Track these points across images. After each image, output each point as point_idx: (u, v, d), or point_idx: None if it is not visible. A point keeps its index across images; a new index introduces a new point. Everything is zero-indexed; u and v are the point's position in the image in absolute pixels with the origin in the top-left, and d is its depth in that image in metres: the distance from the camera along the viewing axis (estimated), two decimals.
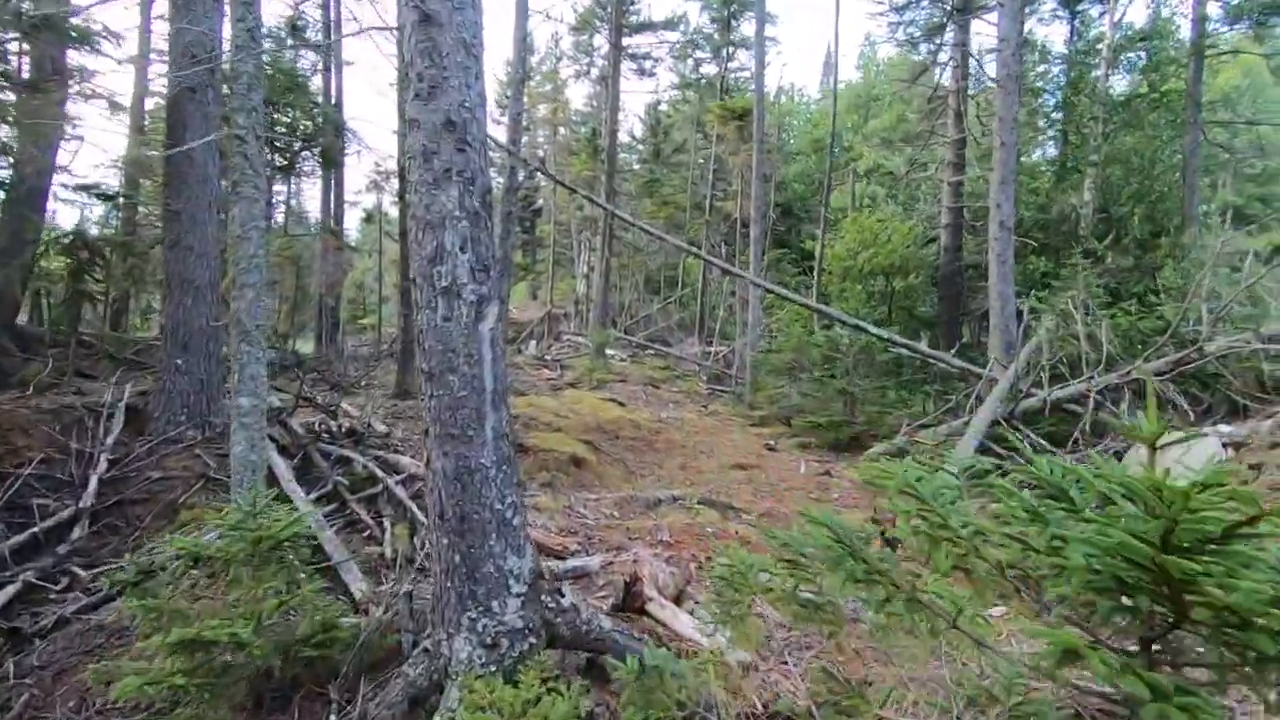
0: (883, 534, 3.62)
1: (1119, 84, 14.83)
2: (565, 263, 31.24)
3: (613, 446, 9.23)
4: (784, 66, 77.28)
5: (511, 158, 10.28)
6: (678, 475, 8.33)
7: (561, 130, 28.57)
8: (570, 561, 4.57)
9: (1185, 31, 14.30)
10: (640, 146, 32.81)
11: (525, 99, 19.12)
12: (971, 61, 17.40)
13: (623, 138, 32.93)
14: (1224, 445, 5.96)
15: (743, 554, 2.66)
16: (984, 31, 29.66)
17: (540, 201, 28.19)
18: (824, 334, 10.78)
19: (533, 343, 22.58)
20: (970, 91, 17.43)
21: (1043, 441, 8.22)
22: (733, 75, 28.88)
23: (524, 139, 29.94)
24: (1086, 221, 14.86)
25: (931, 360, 10.64)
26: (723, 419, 12.30)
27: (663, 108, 33.07)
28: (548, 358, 19.30)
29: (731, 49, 25.09)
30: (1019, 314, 11.49)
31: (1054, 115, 15.86)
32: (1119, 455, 7.56)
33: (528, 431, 8.61)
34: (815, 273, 17.39)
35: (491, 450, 2.85)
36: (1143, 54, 14.91)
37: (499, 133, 18.39)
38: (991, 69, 20.40)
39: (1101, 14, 15.74)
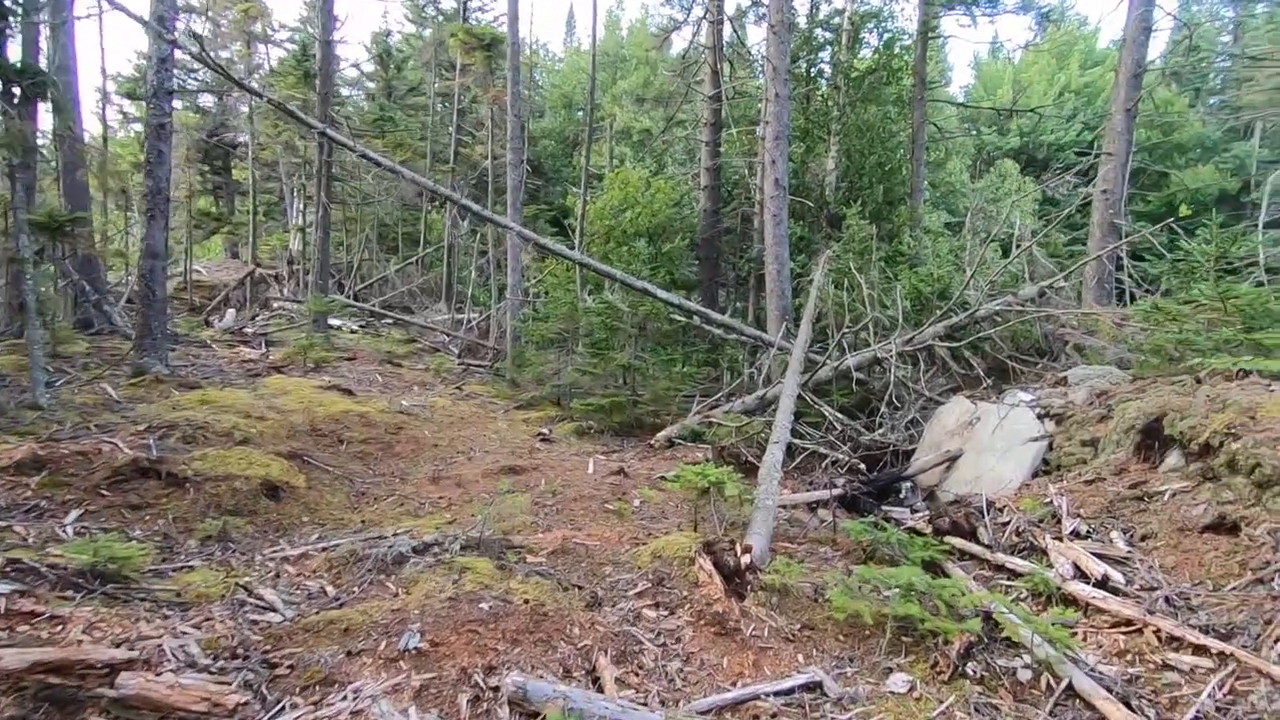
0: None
1: (864, 56, 15.40)
2: (276, 214, 25.79)
3: (334, 457, 6.68)
4: (531, 23, 74.06)
5: (147, 28, 6.84)
6: (429, 493, 6.15)
7: (262, 48, 23.02)
8: None
9: (913, 11, 15.24)
10: (369, 82, 28.22)
11: None
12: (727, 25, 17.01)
13: (348, 72, 27.98)
14: (1039, 417, 5.62)
15: None
16: None
17: (238, 136, 22.57)
18: (600, 300, 9.25)
19: (231, 312, 17.88)
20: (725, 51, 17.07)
21: (840, 415, 7.62)
22: (474, 15, 25.83)
23: (215, 54, 23.65)
24: (831, 189, 15.33)
25: (720, 330, 9.72)
26: (482, 403, 10.21)
27: (394, 39, 28.74)
28: (250, 331, 15.18)
29: None
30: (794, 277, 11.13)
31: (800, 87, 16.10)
32: (922, 420, 7.17)
33: (190, 449, 5.71)
34: (577, 233, 15.84)
35: None
36: (875, 32, 15.68)
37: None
38: (748, 31, 20.49)
39: None
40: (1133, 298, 9.08)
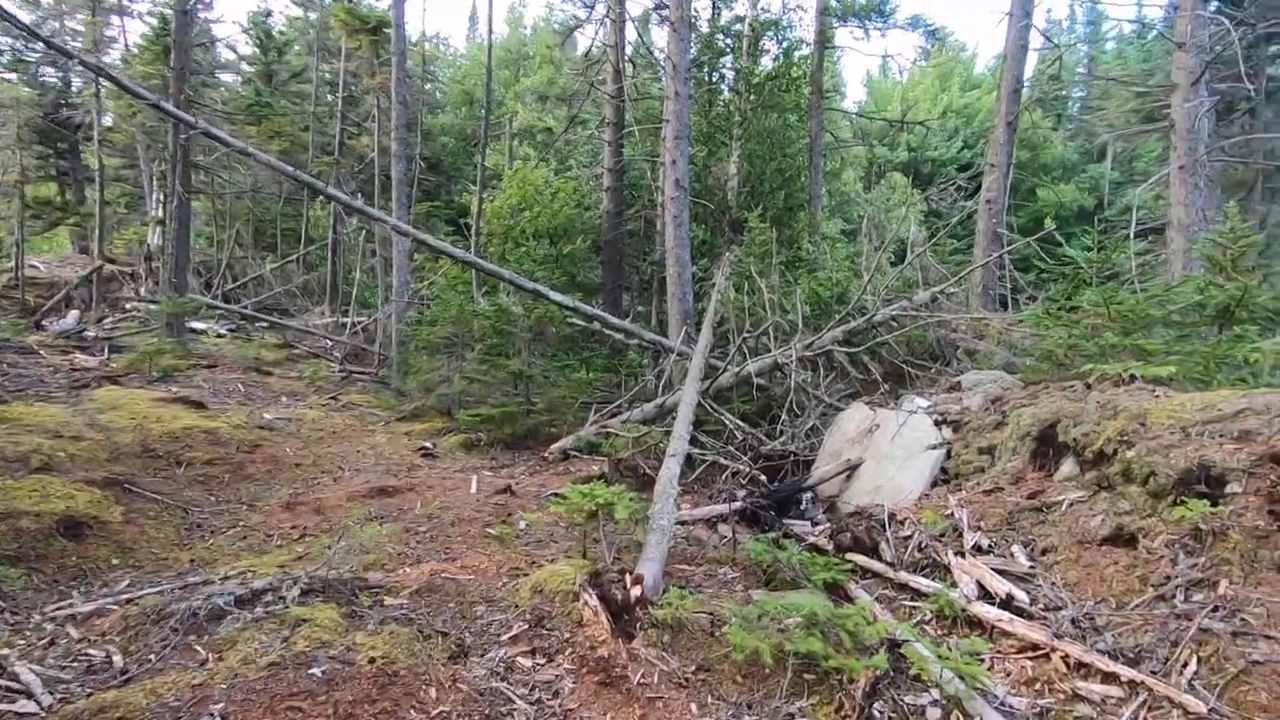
0: None
1: (765, 65, 15.48)
2: (134, 205, 23.23)
3: (166, 483, 5.72)
4: (424, 12, 71.55)
5: None
6: (280, 523, 5.34)
7: (117, 20, 20.67)
8: None
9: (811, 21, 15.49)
10: (247, 65, 26.01)
11: None
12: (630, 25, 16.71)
13: (223, 53, 25.69)
14: (936, 424, 5.53)
15: None
16: None
17: (84, 115, 20.09)
18: (492, 303, 8.60)
19: (73, 314, 15.77)
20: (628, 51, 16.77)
21: (741, 423, 7.36)
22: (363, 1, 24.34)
23: (52, 26, 20.99)
24: (734, 194, 15.32)
25: (620, 334, 9.30)
26: (361, 414, 9.30)
27: (276, 21, 26.65)
28: (92, 335, 13.38)
29: None
30: (695, 280, 10.90)
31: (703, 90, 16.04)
32: (823, 425, 7.00)
33: None
34: (473, 233, 15.05)
35: None
36: (775, 40, 15.83)
37: None
38: (652, 34, 20.30)
39: None
40: (1016, 304, 9.44)
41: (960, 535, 4.09)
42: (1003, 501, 4.27)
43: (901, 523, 4.59)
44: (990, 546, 3.90)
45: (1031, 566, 3.62)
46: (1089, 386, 4.60)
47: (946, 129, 35.37)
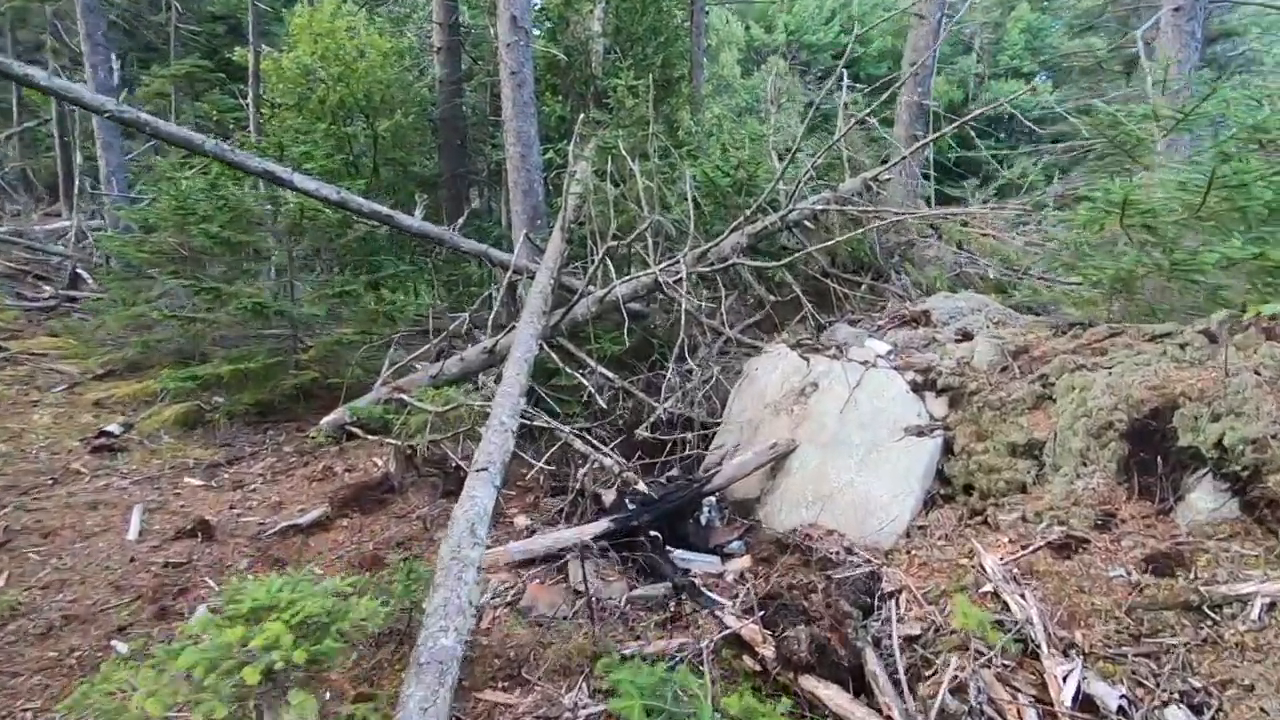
0: None
1: None
2: None
3: None
4: None
5: None
6: None
7: None
8: None
9: None
10: None
11: None
12: None
13: None
14: (915, 388, 3.41)
15: None
16: None
17: None
18: (216, 195, 5.42)
19: None
20: None
21: (608, 374, 5.01)
22: None
23: None
24: (599, 59, 12.25)
25: (431, 241, 6.49)
26: (35, 371, 6.03)
27: None
28: None
29: None
30: (547, 169, 8.13)
31: None
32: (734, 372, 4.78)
33: None
34: (251, 104, 11.20)
35: None
36: None
37: None
38: None
39: None
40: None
41: (1038, 657, 2.02)
42: (1097, 573, 2.22)
43: (894, 597, 2.49)
44: (1115, 707, 1.84)
45: None
46: (1212, 338, 2.58)
47: (824, 10, 32.95)
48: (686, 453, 4.35)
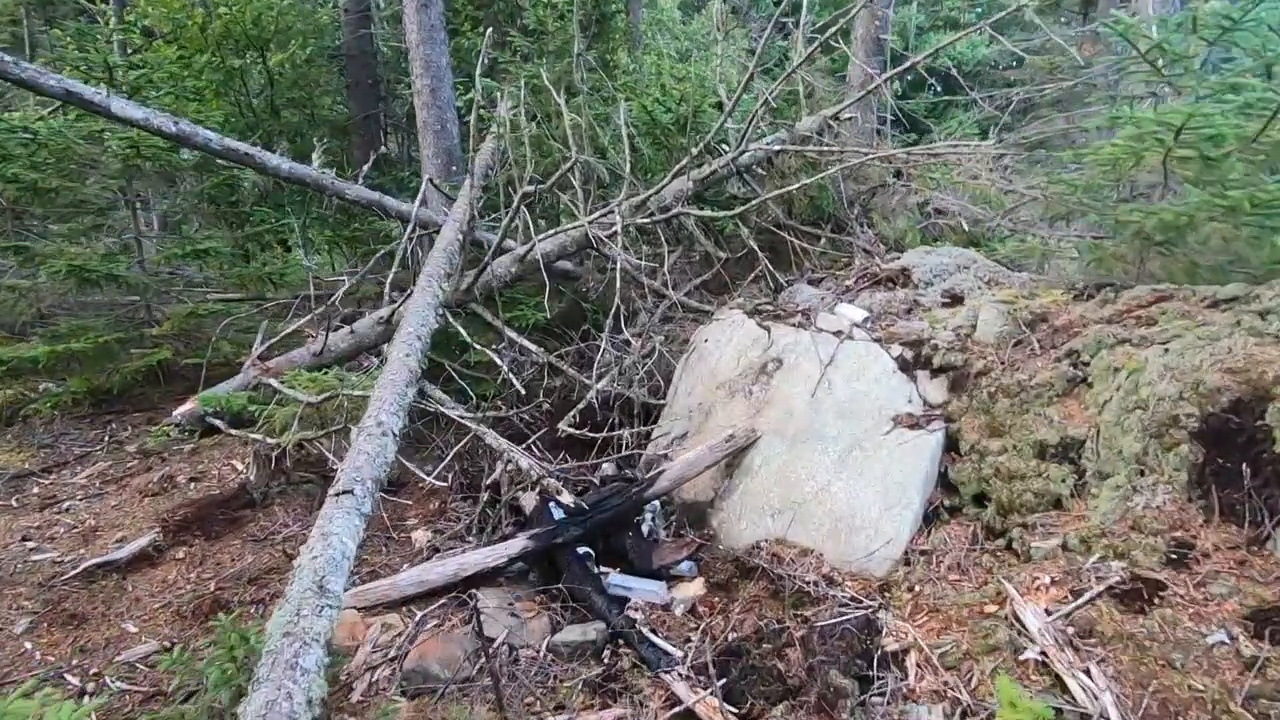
0: None
1: None
2: None
3: None
4: None
5: None
6: None
7: None
8: None
9: None
10: None
11: None
12: None
13: None
14: (902, 366, 2.76)
15: None
16: None
17: None
18: (42, 128, 4.25)
19: None
20: None
21: (531, 346, 4.21)
22: None
23: None
24: None
25: (310, 189, 5.45)
26: None
27: None
28: None
29: None
30: (461, 110, 7.09)
31: None
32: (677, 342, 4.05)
33: None
34: (110, 28, 9.62)
35: None
36: None
37: None
38: None
39: None
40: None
41: None
42: (1186, 636, 1.61)
43: (899, 660, 1.85)
44: None
45: None
46: None
47: None
48: (624, 448, 3.61)
